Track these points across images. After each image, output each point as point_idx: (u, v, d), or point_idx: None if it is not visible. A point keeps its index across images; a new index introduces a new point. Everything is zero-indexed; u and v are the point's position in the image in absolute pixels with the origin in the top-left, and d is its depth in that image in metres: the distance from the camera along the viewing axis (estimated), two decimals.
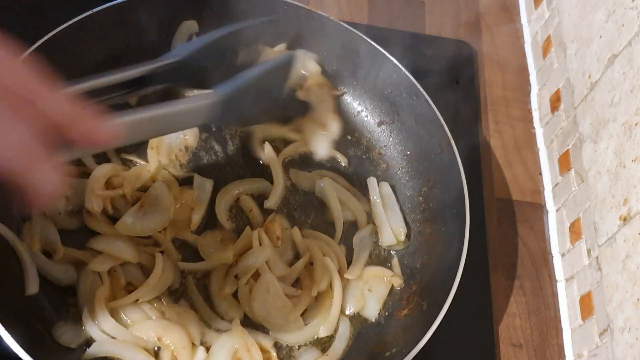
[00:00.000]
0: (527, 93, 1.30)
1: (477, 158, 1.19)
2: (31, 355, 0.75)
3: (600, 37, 1.05)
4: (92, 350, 0.85)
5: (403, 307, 0.98)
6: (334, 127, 1.11)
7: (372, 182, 1.08)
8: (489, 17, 1.39)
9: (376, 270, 1.01)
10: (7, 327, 0.76)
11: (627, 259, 0.90)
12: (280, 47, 1.14)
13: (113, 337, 0.86)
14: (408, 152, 1.11)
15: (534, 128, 1.26)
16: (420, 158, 1.09)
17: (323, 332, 0.94)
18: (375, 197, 1.06)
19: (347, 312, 0.97)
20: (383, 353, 0.91)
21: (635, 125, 0.93)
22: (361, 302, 0.98)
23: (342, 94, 1.17)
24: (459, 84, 1.28)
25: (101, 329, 0.86)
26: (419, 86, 1.07)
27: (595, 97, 1.05)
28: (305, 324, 0.94)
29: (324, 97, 1.13)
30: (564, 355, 1.04)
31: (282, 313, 0.92)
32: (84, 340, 0.86)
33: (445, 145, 1.02)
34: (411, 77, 1.07)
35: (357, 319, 0.98)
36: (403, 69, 1.08)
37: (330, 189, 1.04)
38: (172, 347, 0.87)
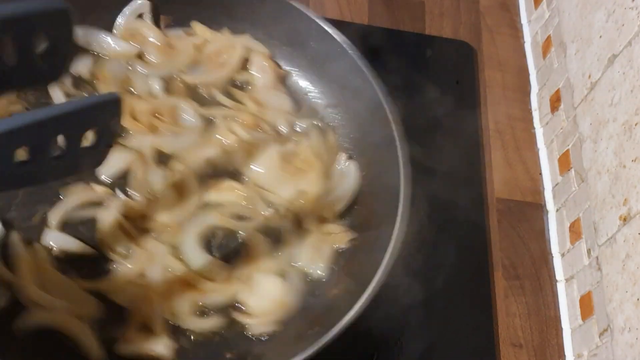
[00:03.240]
0: (527, 93, 1.30)
1: (477, 158, 1.19)
2: None
3: (600, 37, 1.05)
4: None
5: (332, 285, 0.98)
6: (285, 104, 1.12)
7: (341, 157, 1.08)
8: (489, 17, 1.39)
9: (329, 226, 1.02)
10: None
11: (627, 259, 0.90)
12: (225, 31, 1.14)
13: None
14: (351, 135, 1.11)
15: (534, 128, 1.26)
16: (364, 141, 1.08)
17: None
18: (338, 169, 1.08)
19: (299, 264, 0.98)
20: (306, 331, 0.91)
21: (635, 125, 0.93)
22: (313, 257, 0.99)
23: (287, 74, 1.15)
24: (459, 84, 1.28)
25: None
26: (364, 69, 1.05)
27: (595, 97, 1.05)
28: None
29: (268, 76, 1.12)
30: (564, 355, 1.04)
31: (273, 175, 1.01)
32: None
33: (386, 127, 1.01)
34: (358, 61, 1.05)
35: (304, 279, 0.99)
36: (350, 51, 1.06)
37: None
38: (146, 315, 0.88)
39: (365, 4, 1.33)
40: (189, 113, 1.06)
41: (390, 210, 0.96)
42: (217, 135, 1.04)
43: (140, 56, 1.09)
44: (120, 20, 1.11)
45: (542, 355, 1.04)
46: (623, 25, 0.99)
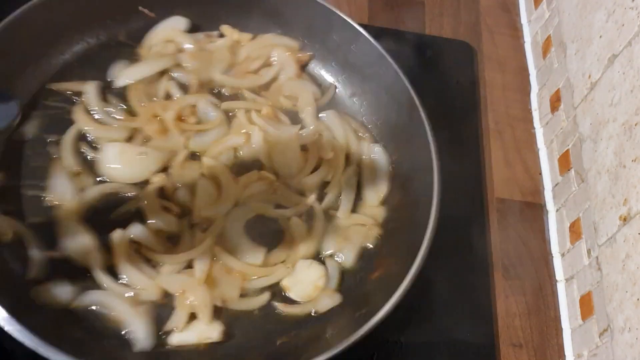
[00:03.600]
0: (527, 93, 1.30)
1: (477, 158, 1.19)
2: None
3: (600, 37, 1.05)
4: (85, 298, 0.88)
5: (375, 269, 1.00)
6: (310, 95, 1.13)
7: (366, 143, 1.11)
8: (489, 17, 1.39)
9: (358, 217, 1.04)
10: None
11: (627, 259, 0.90)
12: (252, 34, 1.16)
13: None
14: (379, 122, 1.12)
15: (534, 128, 1.26)
16: (390, 127, 1.10)
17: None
18: (365, 156, 1.10)
19: (326, 252, 1.01)
20: (353, 313, 0.93)
21: (635, 125, 0.93)
22: (340, 246, 1.01)
23: (309, 58, 1.17)
24: (459, 84, 1.28)
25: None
26: (388, 58, 1.07)
27: (595, 97, 1.05)
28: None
29: (291, 69, 1.14)
30: (564, 355, 1.04)
31: (295, 165, 1.04)
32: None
33: (416, 115, 1.03)
34: (380, 49, 1.08)
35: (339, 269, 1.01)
36: (372, 40, 1.08)
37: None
38: (195, 303, 0.90)
39: (365, 3, 1.33)
40: (210, 109, 1.07)
41: (421, 192, 0.98)
42: (240, 128, 1.06)
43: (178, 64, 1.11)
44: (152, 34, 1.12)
45: (542, 355, 1.04)
46: (623, 25, 0.99)
